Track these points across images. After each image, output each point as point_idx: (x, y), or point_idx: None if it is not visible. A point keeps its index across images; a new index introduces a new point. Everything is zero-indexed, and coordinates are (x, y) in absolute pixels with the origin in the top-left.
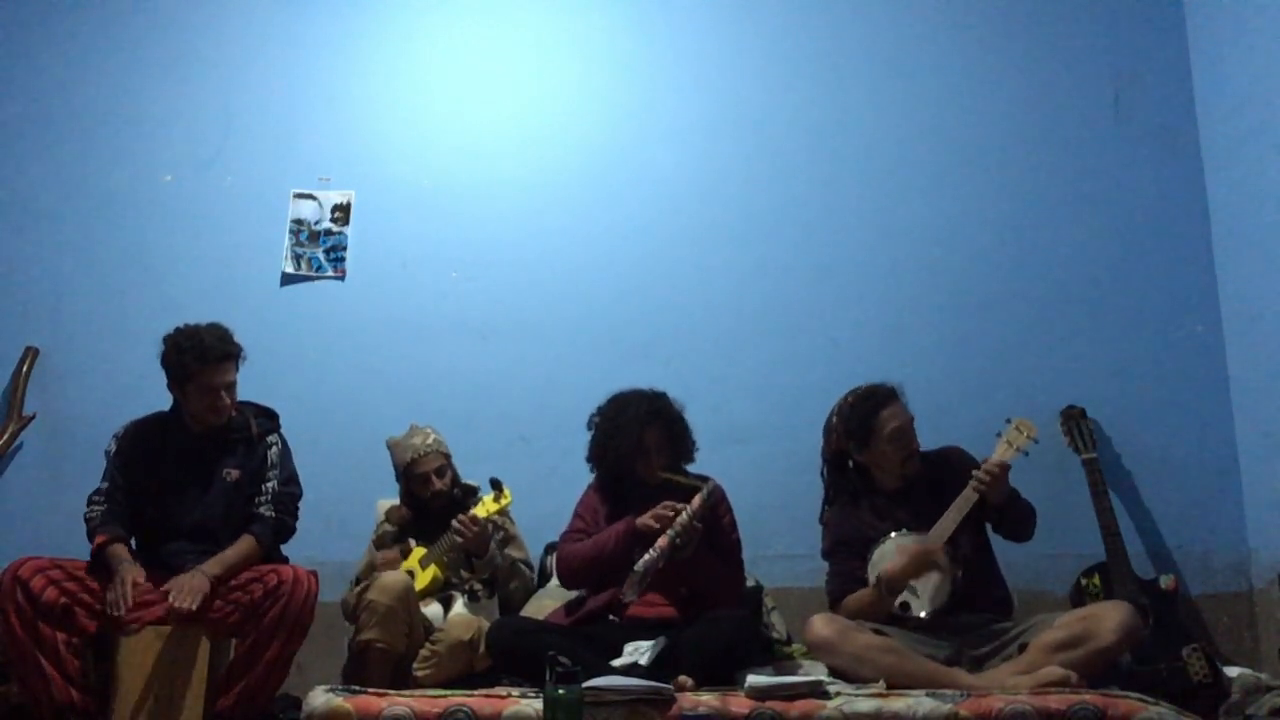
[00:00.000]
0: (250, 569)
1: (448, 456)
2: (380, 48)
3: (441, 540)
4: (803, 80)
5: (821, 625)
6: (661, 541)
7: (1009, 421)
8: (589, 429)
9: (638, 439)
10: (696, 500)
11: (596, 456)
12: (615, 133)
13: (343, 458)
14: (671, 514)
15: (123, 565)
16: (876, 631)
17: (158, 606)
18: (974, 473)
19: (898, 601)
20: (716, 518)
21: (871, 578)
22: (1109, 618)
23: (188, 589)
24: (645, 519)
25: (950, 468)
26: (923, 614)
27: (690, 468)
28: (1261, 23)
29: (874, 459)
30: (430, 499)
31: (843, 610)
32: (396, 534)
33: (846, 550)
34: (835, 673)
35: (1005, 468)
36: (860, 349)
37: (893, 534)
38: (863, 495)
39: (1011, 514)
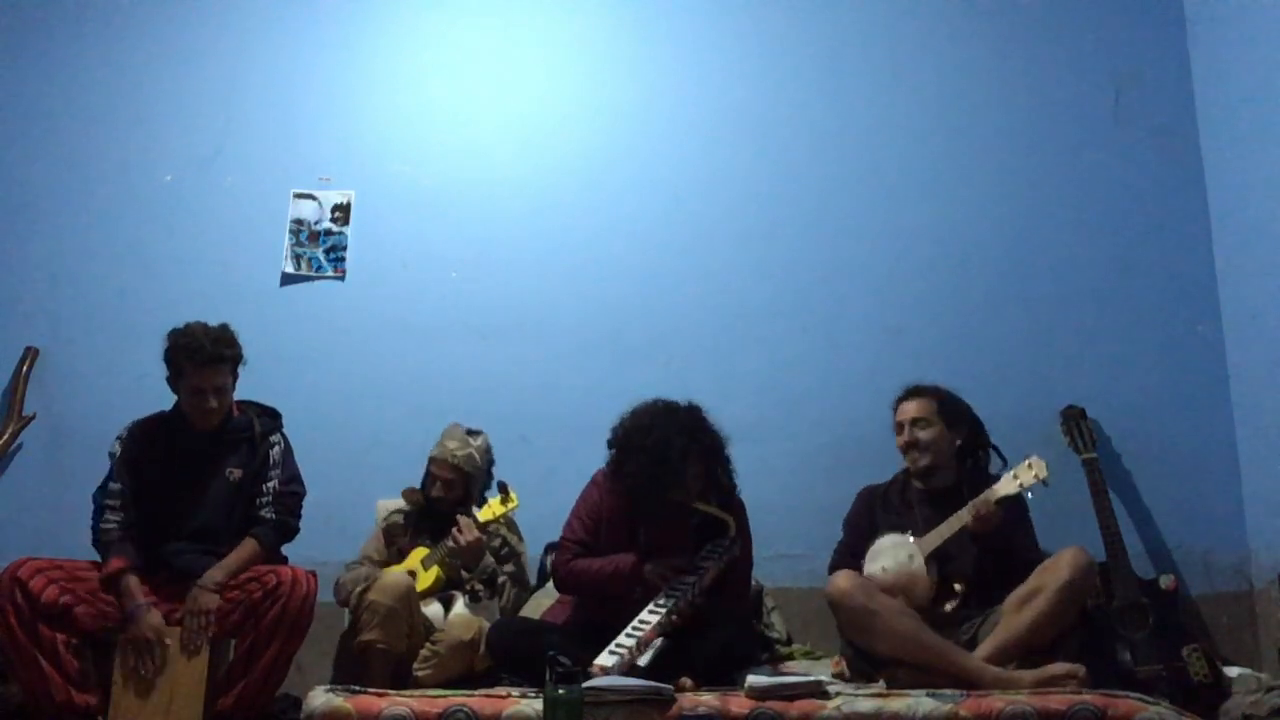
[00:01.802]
0: (249, 569)
1: (465, 474)
2: (380, 48)
3: (444, 542)
4: (803, 80)
5: (844, 579)
6: (648, 634)
7: (1026, 457)
8: (615, 434)
9: (679, 474)
10: (710, 571)
11: (627, 477)
12: (616, 132)
13: (343, 458)
14: (679, 581)
15: (141, 616)
16: None
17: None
18: (974, 500)
19: None
20: (732, 556)
21: (865, 567)
22: (1061, 560)
23: (198, 621)
24: (654, 576)
25: (979, 490)
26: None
27: None
28: (1261, 23)
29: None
30: (434, 499)
31: None
32: (405, 518)
33: (853, 530)
34: (846, 632)
35: (993, 508)
36: (860, 349)
37: (889, 535)
38: (902, 484)
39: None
